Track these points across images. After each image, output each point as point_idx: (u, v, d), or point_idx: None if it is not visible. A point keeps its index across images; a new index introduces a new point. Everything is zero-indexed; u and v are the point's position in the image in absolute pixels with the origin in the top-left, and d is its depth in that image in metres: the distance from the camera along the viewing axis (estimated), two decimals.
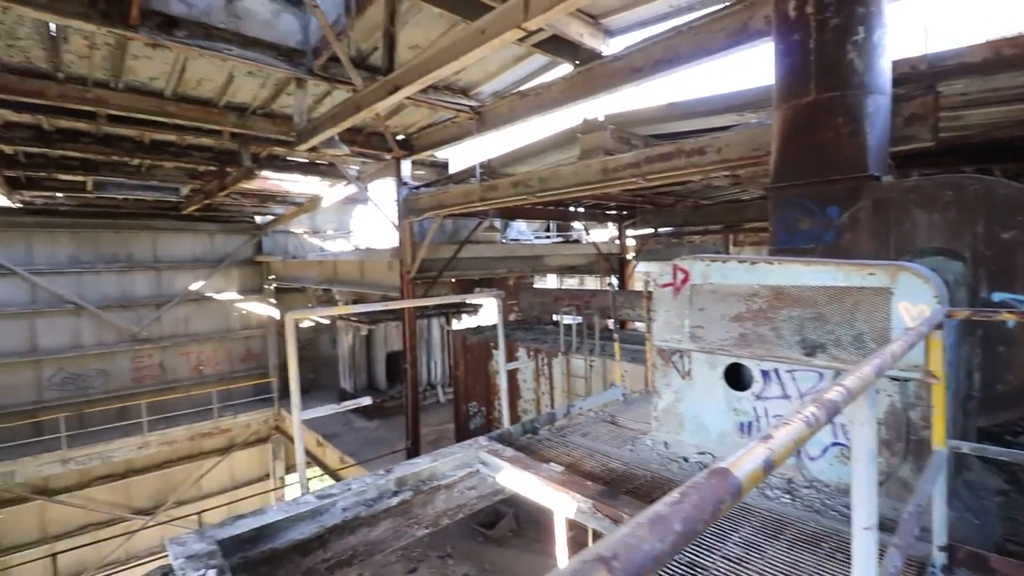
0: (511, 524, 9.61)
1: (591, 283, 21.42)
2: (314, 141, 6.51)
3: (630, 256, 16.21)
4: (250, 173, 9.28)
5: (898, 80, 4.53)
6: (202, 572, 2.07)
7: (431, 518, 3.22)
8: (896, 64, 4.52)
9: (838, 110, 4.03)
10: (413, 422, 10.45)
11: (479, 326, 13.66)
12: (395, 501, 3.01)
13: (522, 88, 7.71)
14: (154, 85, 6.99)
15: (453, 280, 15.64)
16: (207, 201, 12.18)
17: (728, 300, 3.23)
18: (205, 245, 16.10)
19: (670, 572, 2.23)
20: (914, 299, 2.54)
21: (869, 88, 3.98)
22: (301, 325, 17.86)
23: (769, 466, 0.73)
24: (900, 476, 2.70)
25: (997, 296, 3.48)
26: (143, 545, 14.11)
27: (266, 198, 13.98)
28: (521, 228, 17.73)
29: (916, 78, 4.71)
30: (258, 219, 16.87)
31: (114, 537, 13.28)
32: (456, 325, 15.96)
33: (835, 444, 2.93)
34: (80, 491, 13.55)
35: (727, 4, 5.41)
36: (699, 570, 2.25)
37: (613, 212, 15.21)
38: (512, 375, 10.19)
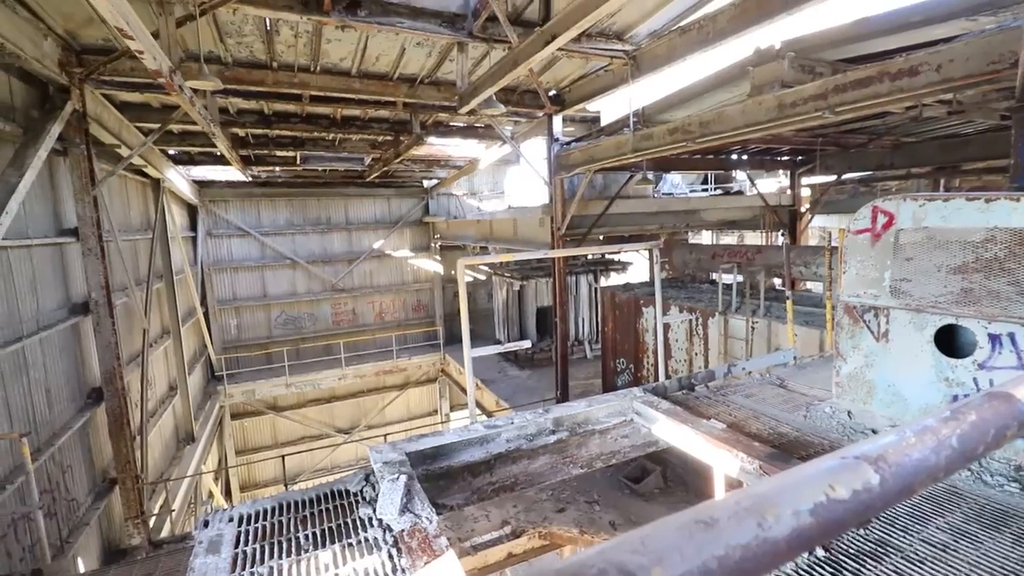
0: (658, 481, 9.53)
1: (752, 239, 19.38)
2: (474, 103, 6.80)
3: (804, 208, 14.21)
4: (419, 140, 10.10)
5: None
6: (396, 476, 2.46)
7: (585, 459, 3.35)
8: None
9: None
10: (562, 374, 10.80)
11: (628, 283, 13.37)
12: (552, 439, 3.19)
13: (683, 23, 7.05)
14: (343, 65, 7.92)
15: (602, 237, 15.46)
16: (384, 168, 13.63)
17: (948, 247, 2.67)
18: (383, 208, 18.21)
19: (857, 547, 2.03)
20: None
21: None
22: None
23: None
24: None
25: None
26: (343, 458, 17.28)
27: (431, 163, 15.16)
28: (675, 181, 16.63)
29: None
30: (425, 183, 18.46)
31: (322, 448, 16.41)
32: (604, 282, 15.84)
33: None
34: (299, 410, 16.95)
35: None
36: (892, 551, 2.00)
37: (786, 158, 13.37)
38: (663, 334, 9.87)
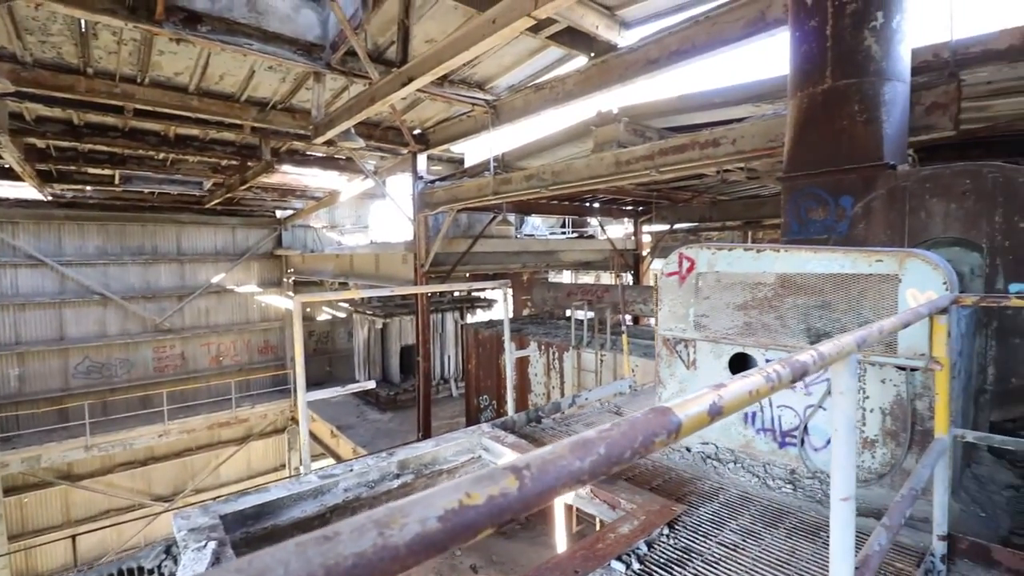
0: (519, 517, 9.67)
1: (606, 279, 21.31)
2: (330, 134, 6.60)
3: (645, 252, 16.08)
4: (270, 167, 9.46)
5: (919, 68, 4.42)
6: (203, 544, 2.14)
7: None
8: (917, 52, 4.40)
9: (854, 97, 3.95)
10: (424, 414, 10.55)
11: (491, 320, 13.71)
12: (396, 484, 3.06)
13: (537, 81, 7.71)
14: (179, 80, 7.18)
15: (467, 275, 15.75)
16: (229, 195, 12.45)
17: (733, 288, 3.20)
18: (227, 239, 16.47)
19: (666, 556, 2.23)
20: (922, 286, 2.49)
21: (887, 75, 3.90)
22: (318, 318, 18.16)
23: (715, 412, 0.73)
24: (904, 467, 2.65)
25: (1015, 287, 3.38)
26: (162, 531, 14.54)
27: (286, 192, 14.23)
28: (536, 223, 17.72)
29: (938, 66, 4.59)
30: (278, 213, 17.20)
31: (134, 521, 13.71)
32: (470, 319, 16.04)
33: None
34: (102, 477, 14.02)
35: None
36: (694, 555, 2.24)
37: (629, 208, 15.09)
38: (523, 369, 10.22)
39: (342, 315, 18.18)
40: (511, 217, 13.09)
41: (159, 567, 2.16)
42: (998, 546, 2.17)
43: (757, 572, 2.12)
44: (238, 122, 8.26)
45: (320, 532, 0.37)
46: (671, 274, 3.50)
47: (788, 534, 2.42)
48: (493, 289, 16.20)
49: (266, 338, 17.28)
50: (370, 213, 18.87)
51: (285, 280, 17.28)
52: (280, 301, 17.28)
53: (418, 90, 6.84)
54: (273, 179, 11.37)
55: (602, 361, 8.85)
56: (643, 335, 10.33)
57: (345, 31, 5.46)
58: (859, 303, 2.70)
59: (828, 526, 2.34)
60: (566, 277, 22.45)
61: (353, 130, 6.83)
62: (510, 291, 3.81)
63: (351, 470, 2.93)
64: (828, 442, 2.92)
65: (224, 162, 10.84)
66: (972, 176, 3.58)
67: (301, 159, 10.71)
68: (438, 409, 12.90)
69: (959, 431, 2.22)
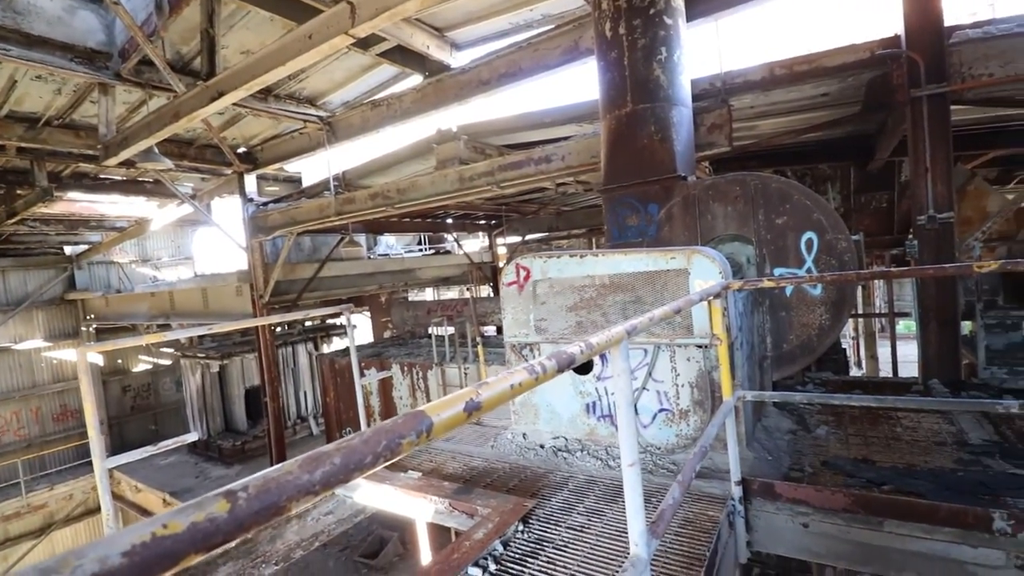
0: (396, 549, 9.24)
1: (468, 294, 21.60)
2: (125, 154, 5.72)
3: (502, 264, 16.71)
4: (48, 195, 7.84)
5: (699, 95, 5.28)
6: None
7: (282, 553, 2.97)
8: (697, 82, 5.27)
9: (650, 119, 4.57)
10: (279, 459, 9.58)
11: (348, 348, 13.01)
12: (233, 543, 2.73)
13: (374, 98, 7.59)
14: None
15: (320, 301, 14.76)
16: None
17: (564, 292, 3.48)
18: None
19: (521, 551, 2.32)
20: (705, 276, 2.97)
21: (673, 100, 4.58)
22: (134, 369, 15.48)
23: (473, 408, 0.77)
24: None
25: (777, 271, 4.19)
26: None
27: (76, 224, 11.93)
28: (390, 243, 17.32)
29: (713, 93, 5.50)
30: (68, 249, 14.32)
31: None
32: (326, 350, 15.04)
33: (662, 410, 3.30)
34: None
35: (559, 24, 5.89)
36: (547, 545, 2.37)
37: (482, 222, 15.56)
38: (386, 393, 9.87)
39: (166, 362, 15.72)
40: (361, 237, 12.61)
41: None
42: (779, 481, 2.67)
43: (600, 546, 2.31)
44: None
45: None
46: (511, 283, 3.69)
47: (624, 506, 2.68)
48: (335, 314, 15.48)
49: (63, 402, 14.18)
50: (192, 242, 16.68)
51: (84, 329, 14.40)
52: (74, 356, 14.35)
53: (237, 105, 6.29)
54: (56, 208, 9.47)
55: (466, 375, 8.94)
56: (501, 345, 10.68)
57: (136, 38, 4.80)
58: (662, 295, 3.13)
59: (657, 492, 2.64)
60: (429, 295, 22.29)
61: (157, 149, 6.00)
62: (356, 315, 3.66)
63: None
64: (653, 417, 3.31)
65: None
66: (740, 184, 4.36)
67: (93, 184, 9.09)
68: (297, 451, 11.80)
69: (741, 392, 2.68)
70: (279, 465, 0.50)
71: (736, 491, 2.56)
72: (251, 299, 9.21)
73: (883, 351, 11.25)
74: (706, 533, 2.34)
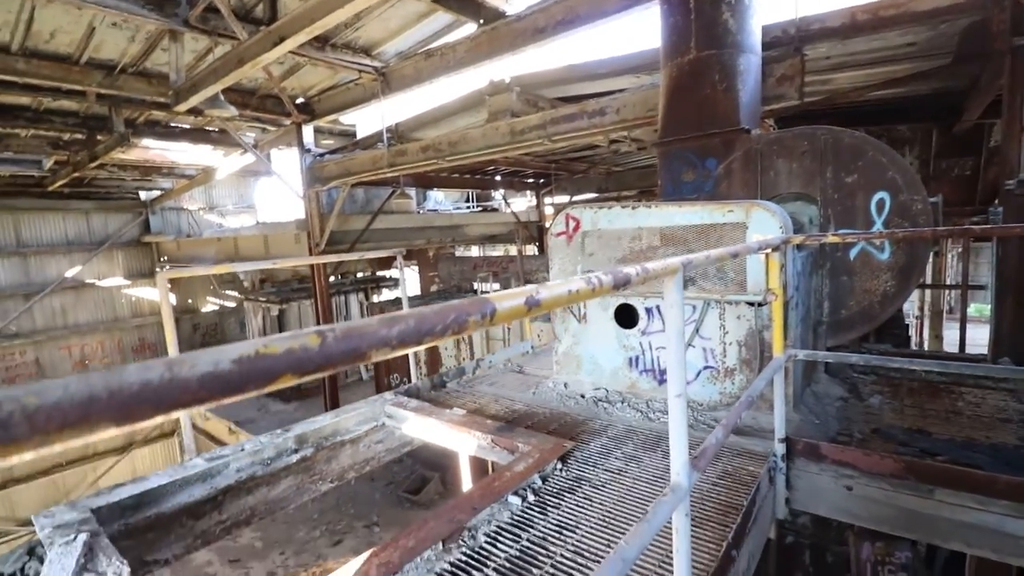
0: (437, 487, 9.79)
1: (513, 252, 21.66)
2: (194, 100, 5.97)
3: (548, 224, 16.58)
4: (125, 140, 8.34)
5: (770, 43, 4.92)
6: (71, 538, 1.95)
7: (336, 473, 3.21)
8: (768, 28, 4.91)
9: (715, 67, 4.33)
10: (332, 400, 10.20)
11: (397, 297, 13.45)
12: (295, 458, 2.98)
13: (427, 48, 7.51)
14: None
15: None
16: (77, 175, 10.81)
17: (613, 244, 3.44)
18: (79, 226, 14.37)
19: (559, 486, 2.41)
20: (764, 231, 2.86)
21: (742, 47, 4.30)
22: (203, 309, 16.63)
23: (533, 304, 0.79)
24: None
25: (841, 232, 3.97)
26: None
27: (150, 171, 12.67)
28: (439, 198, 17.49)
29: (786, 41, 5.11)
30: (143, 195, 15.30)
31: None
32: (376, 300, 15.61)
33: (707, 367, 3.27)
34: None
35: None
36: (584, 483, 2.45)
37: (531, 180, 15.38)
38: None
39: (231, 304, 16.79)
40: (410, 191, 12.78)
41: (21, 570, 1.94)
42: (825, 443, 2.62)
43: (636, 488, 2.37)
44: (79, 88, 7.17)
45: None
46: (559, 234, 3.68)
47: (664, 455, 2.72)
48: (386, 264, 15.71)
49: (141, 336, 15.51)
50: (255, 192, 17.42)
51: (158, 270, 15.52)
52: (153, 293, 15.54)
53: (296, 53, 6.39)
54: (132, 155, 10.07)
55: (509, 329, 9.10)
56: None
57: None
58: (716, 248, 3.04)
59: (695, 445, 2.65)
60: (474, 252, 22.50)
61: (223, 96, 6.23)
62: (402, 259, 3.78)
63: (242, 450, 2.79)
64: (697, 374, 3.29)
65: (67, 136, 9.39)
66: (808, 138, 4.10)
67: (164, 131, 9.57)
68: (348, 394, 12.51)
69: (793, 351, 2.61)
70: (362, 320, 0.55)
71: (779, 448, 2.55)
72: (308, 246, 9.61)
73: (949, 333, 10.53)
74: (745, 486, 2.35)
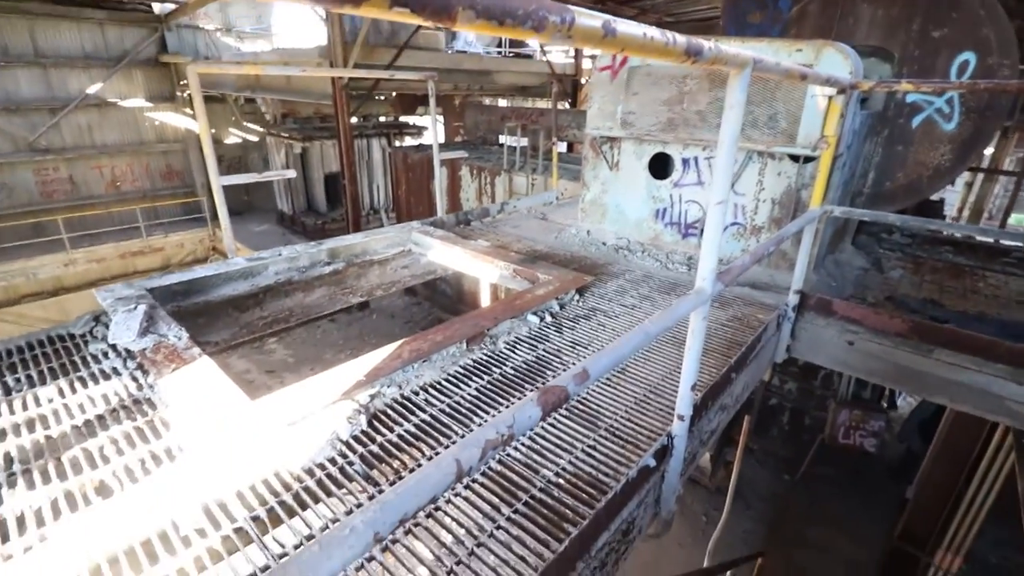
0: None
1: (543, 106, 20.41)
2: None
3: (584, 80, 15.32)
4: None
5: None
6: (132, 307, 2.17)
7: (365, 290, 3.42)
8: None
9: None
10: None
11: (421, 144, 13.09)
12: (328, 270, 3.15)
13: None
14: None
15: (393, 93, 14.46)
16: None
17: (661, 83, 3.19)
18: (95, 38, 13.63)
19: (575, 313, 2.56)
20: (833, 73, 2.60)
21: None
22: (226, 141, 16.46)
23: (609, 32, 0.71)
24: (782, 248, 3.08)
25: (911, 97, 3.63)
26: None
27: None
28: (470, 38, 16.04)
29: None
30: (156, 7, 14.22)
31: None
32: (400, 145, 15.21)
33: (734, 223, 3.24)
34: (10, 308, 13.25)
35: None
36: (599, 313, 2.60)
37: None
38: (455, 193, 10.16)
39: (254, 138, 16.54)
40: (441, 27, 11.67)
41: (91, 331, 2.20)
42: (837, 299, 2.69)
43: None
44: None
45: None
46: (604, 68, 3.40)
47: (677, 296, 2.83)
48: (411, 109, 14.94)
49: (167, 162, 15.58)
50: (273, 13, 16.07)
51: (179, 94, 15.04)
52: (178, 119, 15.26)
53: None
54: None
55: (533, 185, 8.94)
56: (574, 162, 10.39)
57: None
58: (773, 94, 2.81)
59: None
60: (501, 104, 21.24)
61: None
62: (434, 85, 3.57)
63: (280, 255, 2.96)
64: (724, 230, 3.27)
65: None
66: None
67: None
68: None
69: (829, 206, 2.55)
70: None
71: (793, 299, 2.62)
72: (331, 79, 9.12)
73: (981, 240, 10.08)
74: (752, 328, 2.47)
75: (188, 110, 15.17)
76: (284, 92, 11.01)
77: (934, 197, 6.53)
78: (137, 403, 1.76)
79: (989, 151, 9.74)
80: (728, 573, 3.85)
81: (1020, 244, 3.74)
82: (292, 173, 3.23)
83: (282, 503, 1.36)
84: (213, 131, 16.26)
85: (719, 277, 1.41)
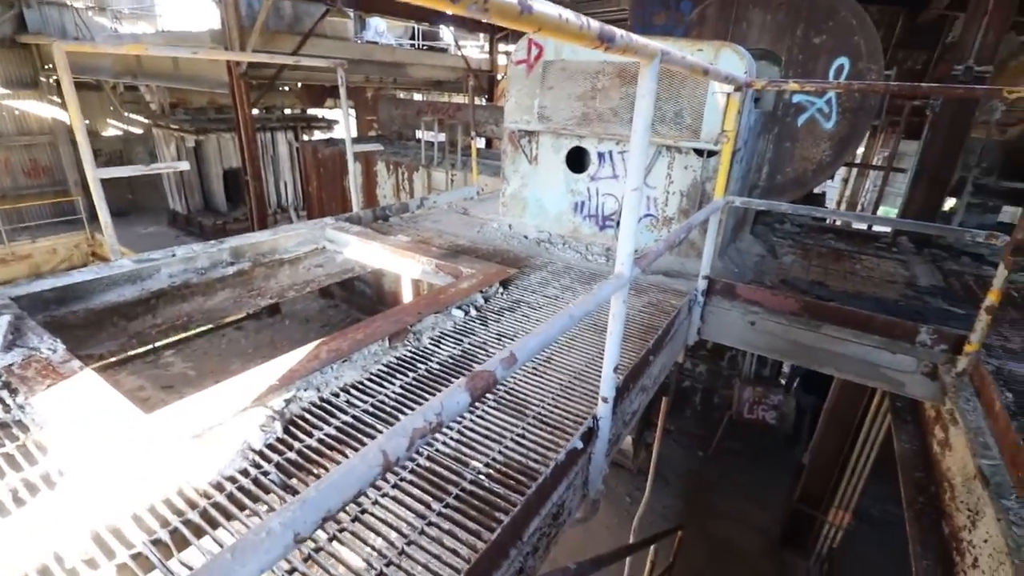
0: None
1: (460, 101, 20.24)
2: None
3: (501, 76, 15.40)
4: None
5: None
6: None
7: (275, 291, 3.20)
8: None
9: None
10: None
11: (331, 138, 12.49)
12: (231, 271, 2.90)
13: None
14: None
15: (299, 84, 13.68)
16: None
17: (575, 78, 3.27)
18: None
19: (500, 306, 2.55)
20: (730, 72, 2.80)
21: None
22: (103, 133, 14.73)
23: (525, 10, 0.72)
24: (691, 238, 3.28)
25: (797, 97, 3.99)
26: None
27: None
28: (380, 29, 15.54)
29: None
30: None
31: None
32: (308, 140, 14.42)
33: (647, 215, 3.40)
34: None
35: None
36: (523, 305, 2.61)
37: (485, 20, 13.88)
38: (370, 190, 9.82)
39: (138, 130, 14.93)
40: (350, 14, 11.18)
41: None
42: (740, 284, 2.90)
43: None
44: None
45: None
46: (520, 62, 3.42)
47: (595, 286, 2.91)
48: (319, 100, 14.27)
49: (32, 156, 13.64)
50: None
51: (44, 80, 13.19)
52: (44, 109, 13.39)
53: None
54: None
55: (452, 180, 8.86)
56: (493, 157, 10.42)
57: None
58: (678, 91, 2.98)
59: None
60: (416, 99, 20.81)
61: None
62: (344, 74, 3.40)
63: (174, 255, 2.67)
64: (639, 220, 3.42)
65: None
66: None
67: None
68: None
69: (731, 197, 2.74)
70: None
71: (701, 284, 2.79)
72: (227, 66, 8.42)
73: (858, 228, 11.49)
74: (666, 314, 2.60)
75: (55, 98, 13.37)
76: (172, 79, 10.02)
77: (817, 191, 7.29)
78: (4, 426, 1.51)
79: (861, 150, 11.04)
80: (651, 548, 4.06)
81: (887, 230, 4.26)
82: (185, 165, 2.92)
83: (188, 522, 1.22)
84: (87, 121, 14.49)
85: (636, 262, 1.45)
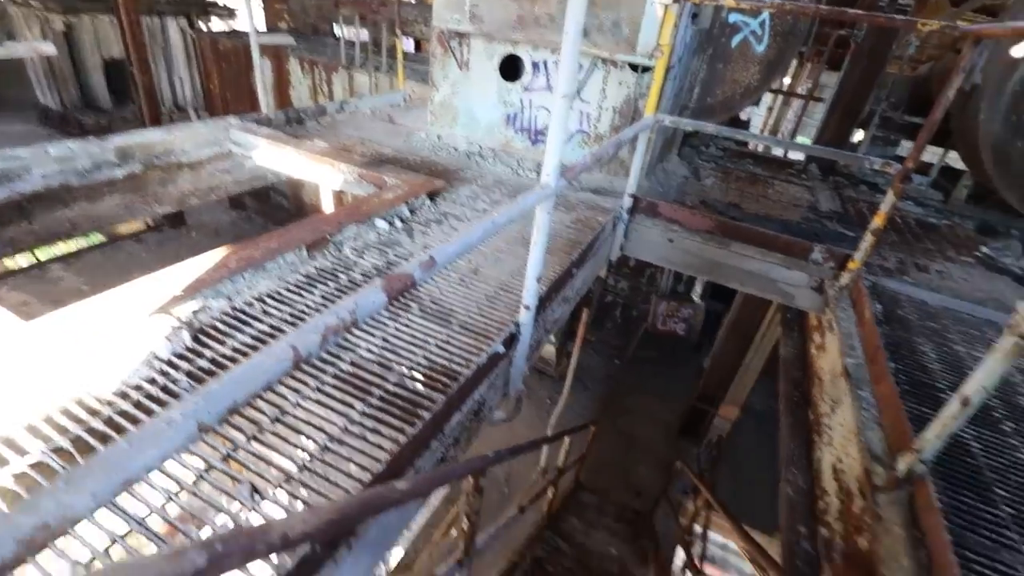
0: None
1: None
2: None
3: None
4: None
5: None
6: None
7: (175, 198, 2.91)
8: None
9: None
10: None
11: (235, 30, 10.98)
12: (120, 174, 2.58)
13: None
14: None
15: None
16: None
17: None
18: None
19: (427, 218, 2.49)
20: None
21: None
22: None
23: None
24: (620, 156, 3.30)
25: (732, 18, 3.96)
26: None
27: None
28: None
29: None
30: None
31: None
32: (205, 29, 12.57)
33: (580, 131, 3.36)
34: None
35: None
36: (451, 218, 2.55)
37: None
38: (283, 90, 8.89)
39: None
40: None
41: None
42: (661, 202, 3.01)
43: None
44: None
45: None
46: None
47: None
48: None
49: None
50: None
51: None
52: None
53: None
54: None
55: (377, 85, 8.18)
56: (423, 62, 9.68)
57: None
58: (619, 4, 2.85)
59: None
60: None
61: None
62: None
63: (47, 152, 2.31)
64: (571, 137, 3.38)
65: None
66: None
67: None
68: None
69: (661, 115, 2.76)
70: None
71: (627, 202, 2.86)
72: None
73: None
74: (591, 230, 2.66)
75: None
76: None
77: (743, 117, 7.49)
78: None
79: (788, 80, 11.33)
80: (566, 438, 4.44)
81: (801, 157, 4.52)
82: (50, 46, 2.47)
83: (91, 430, 1.16)
84: None
85: (563, 173, 1.45)
